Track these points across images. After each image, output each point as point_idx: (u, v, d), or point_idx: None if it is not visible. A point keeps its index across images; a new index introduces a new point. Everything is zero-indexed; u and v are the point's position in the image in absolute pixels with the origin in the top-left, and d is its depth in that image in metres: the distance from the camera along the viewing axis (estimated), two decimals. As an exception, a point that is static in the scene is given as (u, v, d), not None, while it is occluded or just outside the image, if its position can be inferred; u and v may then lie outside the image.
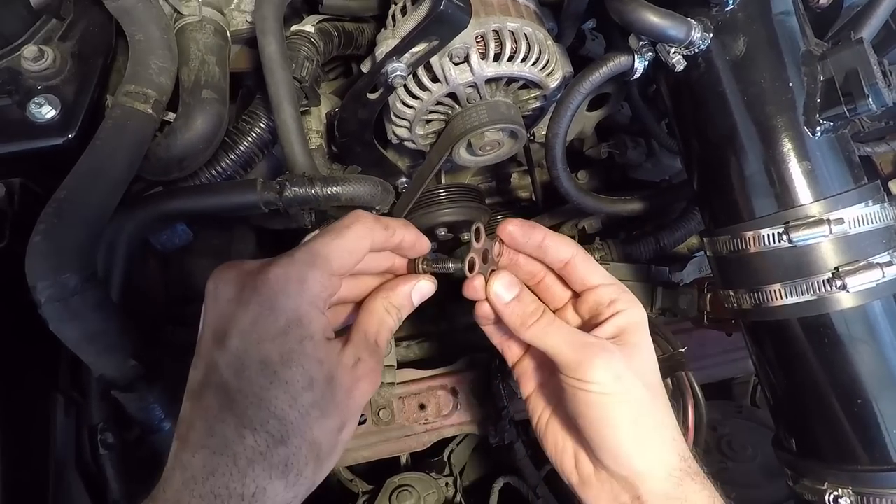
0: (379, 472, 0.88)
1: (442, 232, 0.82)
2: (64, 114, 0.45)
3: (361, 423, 0.78)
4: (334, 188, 0.47)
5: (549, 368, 0.45)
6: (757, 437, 0.86)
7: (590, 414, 0.40)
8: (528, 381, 0.49)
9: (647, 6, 0.45)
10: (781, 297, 0.46)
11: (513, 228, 0.44)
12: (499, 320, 0.44)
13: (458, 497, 0.82)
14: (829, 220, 0.44)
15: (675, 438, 0.42)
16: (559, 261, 0.45)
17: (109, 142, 0.43)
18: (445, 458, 0.86)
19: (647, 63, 0.51)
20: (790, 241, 0.45)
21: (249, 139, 0.55)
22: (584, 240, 0.86)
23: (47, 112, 0.45)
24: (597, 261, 0.76)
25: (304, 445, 0.33)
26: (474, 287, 0.42)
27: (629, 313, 0.43)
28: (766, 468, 0.82)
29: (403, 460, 0.88)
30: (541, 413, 0.48)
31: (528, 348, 0.48)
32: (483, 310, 0.45)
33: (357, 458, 0.80)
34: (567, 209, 0.87)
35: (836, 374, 0.46)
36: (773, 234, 0.45)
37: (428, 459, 0.87)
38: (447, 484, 0.85)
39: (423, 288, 0.43)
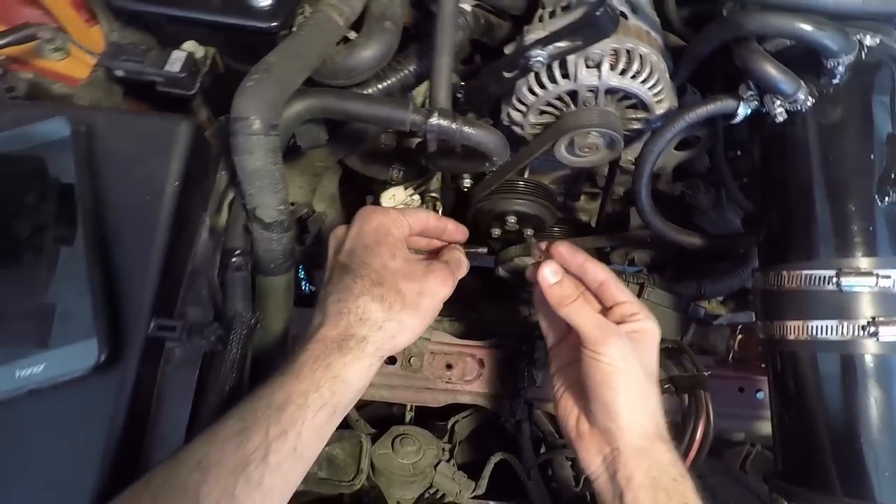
0: (383, 422, 0.93)
1: (511, 220, 0.90)
2: (276, 5, 0.55)
3: (392, 363, 0.85)
4: (470, 129, 0.55)
5: (575, 353, 0.56)
6: (741, 498, 0.90)
7: (598, 378, 0.52)
8: (557, 361, 0.62)
9: (769, 58, 0.53)
10: (818, 333, 0.52)
11: (563, 249, 0.60)
12: (547, 306, 0.57)
13: (453, 462, 0.87)
14: (877, 275, 0.50)
15: (655, 412, 0.53)
16: (595, 281, 0.58)
17: (310, 34, 0.52)
18: (449, 426, 0.92)
19: (749, 111, 0.59)
20: (839, 285, 0.51)
21: (397, 77, 0.64)
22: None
23: (264, 1, 0.54)
24: (641, 285, 0.83)
25: (393, 290, 0.49)
26: (538, 273, 0.58)
27: (644, 322, 0.56)
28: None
29: (408, 418, 0.93)
30: (560, 385, 0.60)
31: (566, 336, 0.62)
32: (539, 296, 0.59)
33: (375, 394, 0.86)
34: (623, 237, 0.95)
35: (846, 411, 0.51)
36: (826, 277, 0.52)
37: (433, 421, 0.93)
38: (444, 449, 0.90)
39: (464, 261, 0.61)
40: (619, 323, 0.55)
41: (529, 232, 0.96)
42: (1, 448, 0.40)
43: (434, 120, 0.54)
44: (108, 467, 0.40)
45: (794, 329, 0.54)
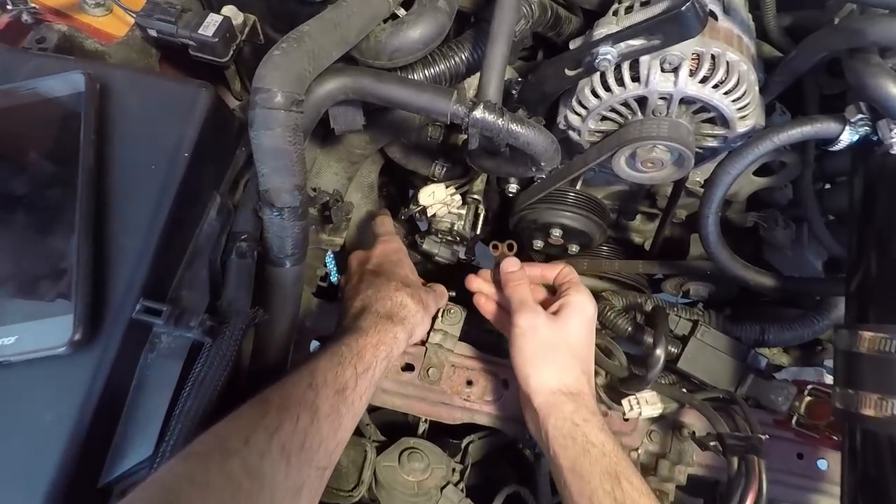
0: (394, 431, 0.88)
1: (556, 233, 0.82)
2: (319, -29, 0.49)
3: (409, 370, 0.79)
4: (518, 127, 0.48)
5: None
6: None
7: (512, 345, 0.62)
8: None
9: (892, 74, 0.44)
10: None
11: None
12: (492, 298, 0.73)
13: (462, 486, 0.80)
14: None
15: (560, 372, 0.60)
16: (541, 277, 0.72)
17: (353, 6, 0.47)
18: (463, 445, 0.85)
19: (856, 137, 0.50)
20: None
21: (446, 64, 0.59)
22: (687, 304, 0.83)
23: (306, -35, 0.49)
24: (694, 322, 0.74)
25: (417, 294, 0.64)
26: (503, 262, 0.71)
27: (571, 297, 0.64)
28: None
29: (421, 430, 0.88)
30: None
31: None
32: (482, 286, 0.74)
33: (387, 402, 0.80)
34: (680, 265, 0.85)
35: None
36: (930, 348, 0.43)
37: (445, 438, 0.86)
38: (454, 469, 0.83)
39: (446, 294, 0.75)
40: (556, 298, 0.65)
41: (575, 248, 0.89)
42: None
43: (478, 113, 0.48)
44: (71, 456, 0.37)
45: (877, 404, 0.45)
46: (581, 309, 0.63)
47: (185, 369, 0.41)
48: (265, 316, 0.46)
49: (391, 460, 0.78)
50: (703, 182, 0.73)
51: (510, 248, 0.82)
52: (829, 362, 1.12)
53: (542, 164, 0.53)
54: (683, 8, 0.49)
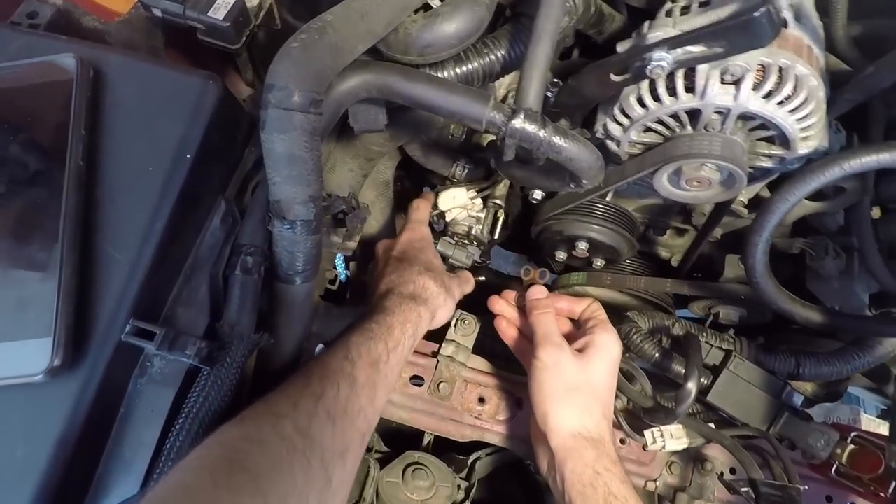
0: (398, 441, 0.84)
1: (582, 246, 0.77)
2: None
3: (419, 385, 0.75)
4: (562, 140, 0.43)
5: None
6: None
7: (532, 380, 0.60)
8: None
9: None
10: None
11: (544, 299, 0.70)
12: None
13: (467, 505, 0.76)
14: None
15: (582, 415, 0.58)
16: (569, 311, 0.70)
17: (382, -7, 0.42)
18: (469, 462, 0.81)
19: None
20: None
21: (481, 62, 0.53)
22: (716, 327, 0.78)
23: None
24: (727, 352, 0.69)
25: (440, 278, 0.64)
26: (531, 288, 0.70)
27: (595, 336, 0.62)
28: None
29: (426, 441, 0.84)
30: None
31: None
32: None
33: (394, 415, 0.76)
34: (711, 287, 0.80)
35: None
36: None
37: (452, 454, 0.83)
38: (459, 486, 0.79)
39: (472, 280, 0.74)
40: (581, 335, 0.64)
41: (600, 262, 0.84)
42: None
43: (518, 123, 0.42)
44: (46, 497, 0.32)
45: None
46: (607, 350, 0.61)
47: (178, 398, 0.36)
48: (270, 340, 0.41)
49: (395, 476, 0.74)
50: (746, 202, 0.68)
51: (542, 276, 0.78)
52: (853, 390, 1.07)
53: (584, 181, 0.47)
54: (757, 13, 0.43)
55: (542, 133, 0.43)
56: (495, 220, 0.84)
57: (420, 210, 0.75)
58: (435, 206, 0.76)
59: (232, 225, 0.41)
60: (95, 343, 0.34)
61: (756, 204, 0.70)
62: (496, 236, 0.85)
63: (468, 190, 0.78)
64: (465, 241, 0.85)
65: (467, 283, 0.72)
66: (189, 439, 0.34)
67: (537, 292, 0.69)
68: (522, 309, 0.69)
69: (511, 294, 0.72)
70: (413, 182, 1.07)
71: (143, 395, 0.36)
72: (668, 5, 0.58)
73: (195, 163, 0.38)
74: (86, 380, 0.34)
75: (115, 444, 0.35)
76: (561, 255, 0.81)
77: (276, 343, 0.44)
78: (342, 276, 0.81)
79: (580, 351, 0.61)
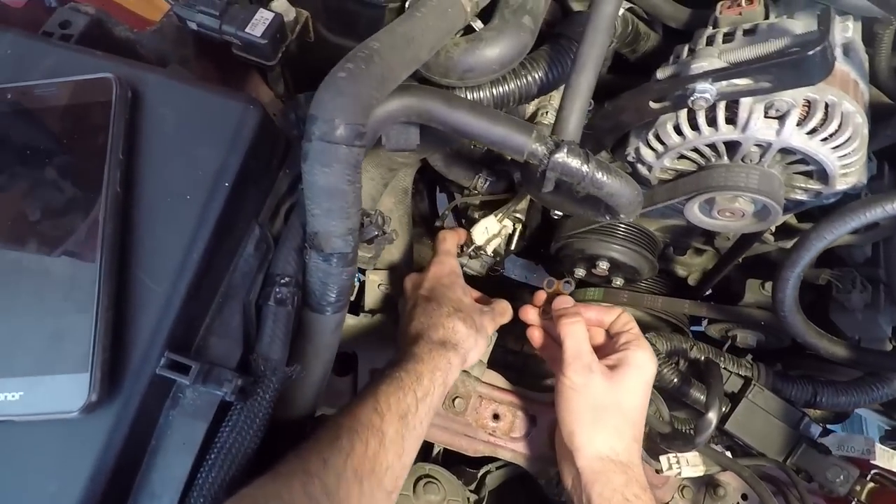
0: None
1: (602, 265, 0.76)
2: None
3: (433, 398, 0.75)
4: (605, 176, 0.42)
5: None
6: None
7: (560, 398, 0.59)
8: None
9: None
10: None
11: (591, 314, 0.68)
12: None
13: (477, 519, 0.76)
14: None
15: (611, 437, 0.56)
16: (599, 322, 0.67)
17: (428, 17, 0.40)
18: (480, 475, 0.81)
19: None
20: None
21: (517, 84, 0.52)
22: (733, 351, 0.78)
23: (377, -39, 0.42)
24: (746, 380, 0.69)
25: (470, 317, 0.62)
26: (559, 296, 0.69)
27: (630, 353, 0.59)
28: None
29: (436, 452, 0.84)
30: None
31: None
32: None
33: (407, 427, 0.76)
34: (731, 311, 0.79)
35: None
36: None
37: (462, 466, 0.82)
38: (469, 499, 0.80)
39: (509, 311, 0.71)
40: (613, 349, 0.61)
41: (619, 282, 0.83)
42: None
43: (560, 157, 0.41)
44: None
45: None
46: (641, 369, 0.58)
47: (210, 430, 0.36)
48: (302, 373, 0.41)
49: (405, 489, 0.74)
50: (773, 229, 0.67)
51: (566, 287, 0.75)
52: (861, 411, 1.07)
53: (622, 215, 0.47)
54: (811, 52, 0.42)
55: (584, 168, 0.42)
56: (513, 231, 0.84)
57: (447, 241, 0.73)
58: (470, 242, 0.76)
59: (265, 252, 0.40)
60: (130, 376, 0.33)
61: (783, 231, 0.69)
62: (513, 247, 0.85)
63: (497, 217, 0.77)
64: (482, 252, 0.84)
65: (502, 315, 0.69)
66: (221, 475, 0.34)
67: (564, 301, 0.67)
68: (548, 313, 0.68)
69: (540, 297, 0.70)
70: (426, 183, 1.06)
71: (175, 427, 0.35)
72: (710, 30, 0.56)
73: (233, 190, 0.37)
74: (120, 414, 0.33)
75: (145, 477, 0.34)
76: (580, 272, 0.80)
77: (304, 371, 0.43)
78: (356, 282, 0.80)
79: (611, 367, 0.59)
